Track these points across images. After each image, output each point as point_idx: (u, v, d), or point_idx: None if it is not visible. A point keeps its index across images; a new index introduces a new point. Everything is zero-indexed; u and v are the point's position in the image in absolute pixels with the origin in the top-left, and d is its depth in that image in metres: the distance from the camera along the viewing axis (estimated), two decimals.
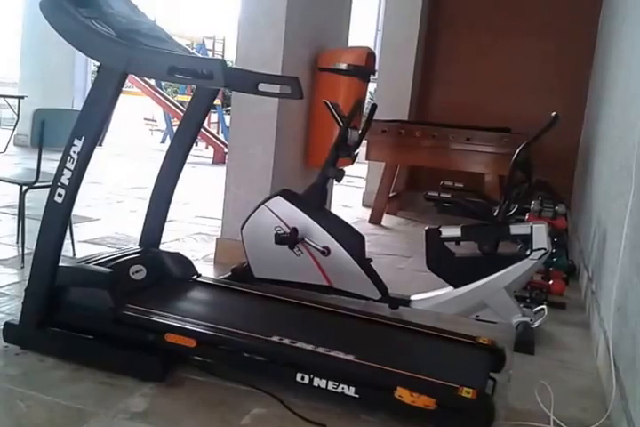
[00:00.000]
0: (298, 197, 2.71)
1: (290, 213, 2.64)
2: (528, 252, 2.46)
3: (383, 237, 4.20)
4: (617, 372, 1.88)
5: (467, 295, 2.51)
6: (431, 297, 2.56)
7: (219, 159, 8.22)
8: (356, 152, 2.79)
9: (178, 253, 2.32)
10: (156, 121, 11.74)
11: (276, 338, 1.80)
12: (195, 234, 3.76)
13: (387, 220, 4.80)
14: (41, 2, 1.76)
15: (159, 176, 2.27)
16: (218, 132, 10.39)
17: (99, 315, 1.86)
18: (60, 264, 1.91)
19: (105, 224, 3.78)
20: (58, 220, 1.84)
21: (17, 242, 2.99)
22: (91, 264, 2.00)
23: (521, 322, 2.45)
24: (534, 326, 2.44)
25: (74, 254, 2.94)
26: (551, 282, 2.99)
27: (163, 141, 10.13)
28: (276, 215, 2.64)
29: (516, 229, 2.50)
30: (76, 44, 1.75)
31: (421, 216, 5.07)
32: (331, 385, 1.68)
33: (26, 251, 2.85)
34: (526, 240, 2.47)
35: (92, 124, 1.80)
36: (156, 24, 2.08)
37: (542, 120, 2.54)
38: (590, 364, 2.27)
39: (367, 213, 4.81)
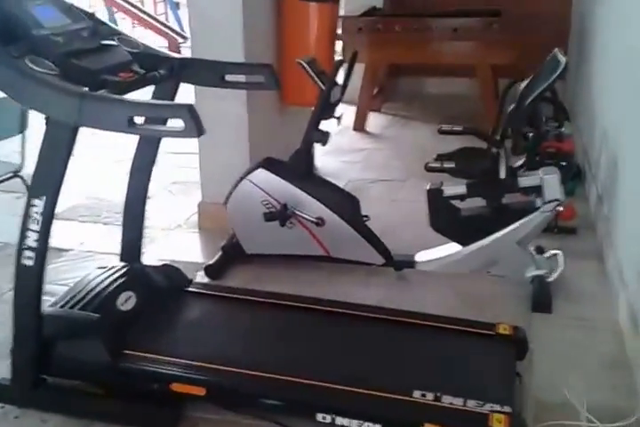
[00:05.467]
0: (282, 165, 2.45)
1: (276, 186, 2.40)
2: (539, 204, 2.28)
3: (373, 154, 3.94)
4: None
5: (476, 253, 2.37)
6: (438, 258, 2.42)
7: (173, 50, 7.55)
8: (340, 113, 2.47)
9: (164, 265, 2.14)
10: (95, 12, 10.58)
11: (289, 376, 1.68)
12: (171, 184, 3.45)
13: (372, 120, 4.49)
14: None
15: (130, 182, 2.03)
16: (167, 20, 9.41)
17: (95, 368, 1.73)
18: (45, 311, 1.76)
19: (72, 188, 3.42)
20: (32, 283, 1.67)
21: None
22: (76, 306, 1.83)
23: (536, 276, 2.33)
24: (550, 279, 2.33)
25: None
26: (561, 209, 2.82)
27: None
28: (261, 189, 2.40)
29: (525, 182, 2.29)
30: (14, 95, 1.46)
31: (408, 107, 4.77)
32: (355, 424, 1.60)
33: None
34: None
35: (50, 182, 1.58)
36: (98, 20, 1.75)
37: None
38: (611, 319, 2.18)
39: (349, 112, 4.46)
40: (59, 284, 2.38)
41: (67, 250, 2.72)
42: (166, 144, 3.65)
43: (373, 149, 4.01)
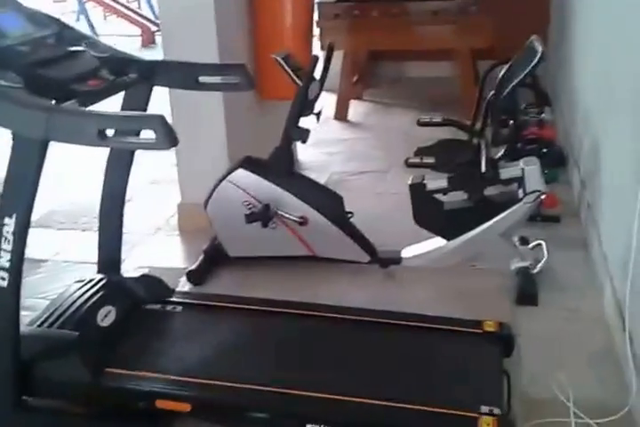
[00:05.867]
0: (262, 164, 2.40)
1: (257, 185, 2.36)
2: (521, 195, 2.26)
3: (355, 144, 3.89)
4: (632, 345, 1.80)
5: (461, 247, 2.35)
6: (423, 253, 2.40)
7: (148, 41, 7.37)
8: (319, 109, 2.41)
9: (144, 276, 2.11)
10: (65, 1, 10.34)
11: (276, 387, 1.65)
12: (149, 184, 3.37)
13: (353, 108, 4.43)
14: None
15: (104, 190, 1.98)
16: (139, 8, 9.22)
17: (77, 388, 1.69)
18: (23, 331, 1.70)
19: (46, 192, 3.35)
20: (8, 304, 1.61)
21: None
22: (55, 324, 1.79)
23: (520, 268, 2.32)
24: (535, 271, 2.31)
25: None
26: (544, 196, 2.80)
27: (77, 19, 9.00)
28: (242, 189, 2.36)
29: (506, 173, 2.26)
30: None
31: (389, 93, 4.70)
32: None
33: None
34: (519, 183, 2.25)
35: (20, 199, 1.52)
36: (64, 25, 1.68)
37: None
38: (598, 309, 2.17)
39: (329, 100, 4.38)
40: (38, 297, 2.35)
41: (44, 261, 2.66)
42: None
43: (355, 139, 3.97)
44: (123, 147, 1.63)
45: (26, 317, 1.88)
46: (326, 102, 4.38)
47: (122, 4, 8.10)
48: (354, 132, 4.14)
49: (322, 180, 3.32)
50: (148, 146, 1.34)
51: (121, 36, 7.60)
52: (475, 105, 3.14)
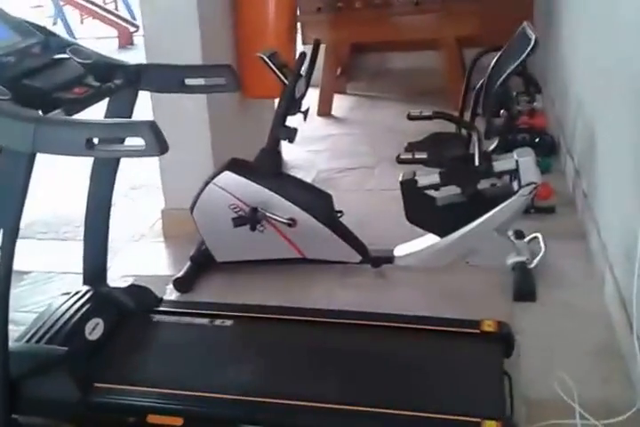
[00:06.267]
0: (249, 166, 2.33)
1: (243, 188, 2.28)
2: (516, 187, 2.20)
3: (340, 140, 3.82)
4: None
5: (455, 244, 2.28)
6: (416, 251, 2.33)
7: (125, 42, 7.24)
8: (306, 107, 2.34)
9: (131, 286, 2.04)
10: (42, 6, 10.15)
11: (269, 398, 1.59)
12: (130, 189, 3.27)
13: (337, 103, 4.35)
14: None
15: (89, 199, 1.92)
16: (116, 9, 9.05)
17: (67, 405, 1.63)
18: (10, 347, 1.63)
19: (28, 200, 3.24)
20: None
21: None
22: (42, 340, 1.74)
23: (517, 263, 2.27)
24: (532, 265, 2.26)
25: None
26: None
27: (55, 23, 8.87)
28: (229, 193, 2.28)
29: (500, 166, 2.19)
30: None
31: (373, 86, 4.62)
32: None
33: None
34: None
35: (8, 214, 1.47)
36: (49, 32, 1.66)
37: None
38: (599, 303, 2.11)
39: (313, 96, 4.28)
40: (23, 311, 2.27)
41: (27, 272, 2.57)
42: None
43: (341, 135, 3.90)
44: (112, 156, 1.60)
45: (12, 331, 1.79)
46: (309, 98, 4.33)
47: (98, 6, 7.94)
48: (338, 127, 4.06)
49: (309, 178, 3.26)
50: (137, 153, 1.31)
51: (98, 39, 7.48)
52: (462, 95, 3.08)
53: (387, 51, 5.04)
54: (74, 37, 7.67)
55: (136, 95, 1.79)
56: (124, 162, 3.72)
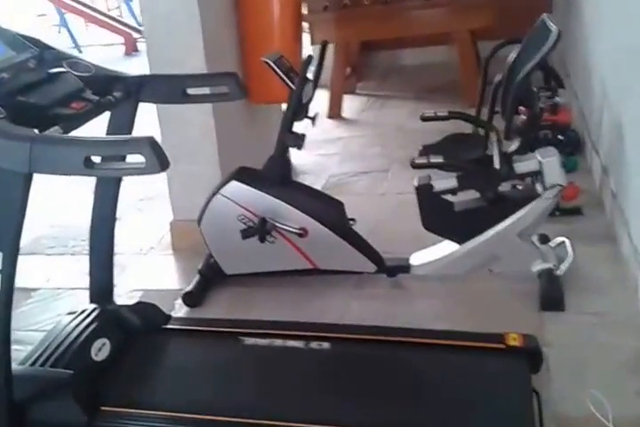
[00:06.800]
0: (256, 174, 2.24)
1: (251, 198, 2.19)
2: (540, 190, 2.08)
3: (352, 142, 3.70)
4: None
5: (475, 251, 2.16)
6: (434, 259, 2.22)
7: (131, 49, 7.15)
8: (314, 113, 2.24)
9: (139, 303, 1.97)
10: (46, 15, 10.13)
11: (281, 422, 1.51)
12: (138, 200, 3.18)
13: (347, 104, 4.23)
14: None
15: (93, 215, 1.86)
16: (121, 16, 8.94)
17: None
18: (14, 371, 1.57)
19: (32, 212, 3.17)
20: None
21: None
22: (47, 363, 1.68)
23: (543, 270, 2.14)
24: (559, 272, 2.14)
25: None
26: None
27: (60, 31, 8.80)
28: (236, 203, 2.19)
29: (522, 168, 2.07)
30: None
31: (384, 84, 4.49)
32: None
33: None
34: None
35: (7, 237, 1.42)
36: (45, 45, 1.61)
37: None
38: (632, 311, 1.99)
39: (322, 97, 4.17)
40: (30, 329, 2.21)
41: (34, 289, 2.50)
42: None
43: (351, 137, 3.77)
44: (111, 175, 1.54)
45: (18, 351, 1.76)
46: (318, 99, 4.22)
47: (102, 13, 7.88)
48: (349, 129, 3.94)
49: (319, 184, 3.17)
50: (137, 171, 1.26)
51: (104, 46, 7.43)
52: (479, 92, 2.95)
53: (397, 48, 4.91)
54: (78, 46, 7.68)
55: (136, 108, 1.73)
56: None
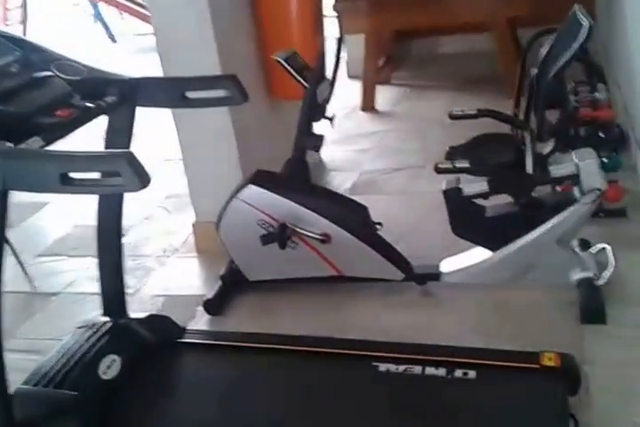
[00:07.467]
0: (275, 177, 2.15)
1: (270, 202, 2.10)
2: (578, 194, 1.93)
3: (386, 137, 3.55)
4: None
5: (509, 259, 2.04)
6: (465, 267, 2.10)
7: None
8: (332, 114, 2.13)
9: (151, 316, 1.89)
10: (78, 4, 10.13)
11: None
12: (165, 199, 3.12)
13: (381, 95, 4.07)
14: None
15: (99, 227, 1.79)
16: None
17: None
18: (16, 391, 1.52)
19: (56, 212, 3.13)
20: None
21: None
22: (52, 383, 1.59)
23: (583, 279, 1.99)
24: (600, 282, 1.98)
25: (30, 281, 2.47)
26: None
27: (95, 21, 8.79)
28: (255, 207, 2.10)
29: (558, 171, 1.93)
30: None
31: (421, 74, 4.32)
32: None
33: None
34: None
35: None
36: (31, 46, 1.52)
37: None
38: None
39: (355, 89, 4.04)
40: (47, 338, 2.13)
41: (54, 294, 2.46)
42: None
43: (386, 131, 3.62)
44: (89, 192, 1.43)
45: (34, 361, 1.71)
46: (352, 91, 4.09)
47: (135, 2, 7.84)
48: (383, 123, 3.78)
49: (350, 181, 3.05)
50: (115, 189, 1.18)
51: (137, 35, 7.41)
52: (516, 85, 2.78)
53: (433, 35, 4.71)
54: (112, 35, 7.70)
55: (133, 113, 1.63)
56: (160, 169, 3.53)
